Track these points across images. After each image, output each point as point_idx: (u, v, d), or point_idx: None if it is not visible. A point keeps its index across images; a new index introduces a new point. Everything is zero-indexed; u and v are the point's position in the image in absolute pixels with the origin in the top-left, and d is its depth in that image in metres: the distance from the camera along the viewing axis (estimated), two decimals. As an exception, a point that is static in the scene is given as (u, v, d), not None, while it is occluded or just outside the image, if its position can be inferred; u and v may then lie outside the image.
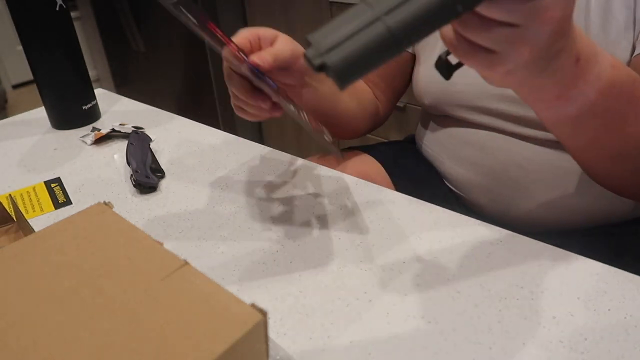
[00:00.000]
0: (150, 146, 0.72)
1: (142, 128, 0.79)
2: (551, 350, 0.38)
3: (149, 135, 0.76)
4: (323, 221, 0.56)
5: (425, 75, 0.73)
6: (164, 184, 0.66)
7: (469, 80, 0.67)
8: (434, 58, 0.71)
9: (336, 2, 1.75)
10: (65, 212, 0.61)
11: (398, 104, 0.88)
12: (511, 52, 0.35)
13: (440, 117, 0.75)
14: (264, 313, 0.29)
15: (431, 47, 0.72)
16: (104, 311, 0.29)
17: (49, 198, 0.64)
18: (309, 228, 0.55)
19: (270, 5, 2.00)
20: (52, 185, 0.67)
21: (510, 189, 0.68)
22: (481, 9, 0.32)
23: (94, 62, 2.82)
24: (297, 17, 1.93)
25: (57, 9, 0.75)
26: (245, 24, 2.13)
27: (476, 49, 0.35)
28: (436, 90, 0.72)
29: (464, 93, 0.69)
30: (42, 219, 0.60)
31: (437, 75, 0.71)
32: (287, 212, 0.58)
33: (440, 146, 0.77)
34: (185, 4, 0.41)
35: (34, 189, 0.66)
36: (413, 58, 0.79)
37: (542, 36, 0.34)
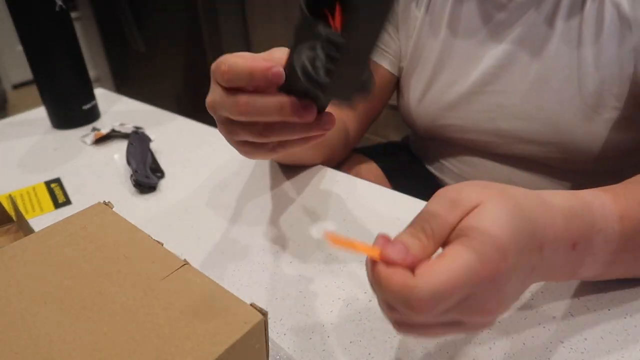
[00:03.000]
0: (150, 146, 0.72)
1: (142, 128, 0.79)
2: (551, 350, 0.38)
3: (149, 135, 0.76)
4: (323, 221, 0.56)
5: (413, 108, 0.72)
6: (164, 184, 0.66)
7: (460, 114, 0.68)
8: (419, 89, 0.70)
9: (336, 2, 1.75)
10: (65, 212, 0.61)
11: (394, 103, 0.88)
12: (467, 322, 0.30)
13: (431, 138, 0.75)
14: (264, 313, 0.29)
15: (416, 78, 0.71)
16: (104, 311, 0.29)
17: (49, 198, 0.64)
18: (309, 228, 0.55)
19: (270, 5, 2.00)
20: (52, 185, 0.67)
21: None
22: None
23: (94, 62, 2.82)
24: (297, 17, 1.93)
25: (57, 9, 0.75)
26: (245, 24, 2.13)
27: (433, 329, 0.31)
28: (426, 122, 0.72)
29: (455, 126, 0.69)
30: (42, 219, 0.60)
31: (425, 108, 0.71)
32: (287, 212, 0.58)
33: (432, 158, 0.78)
34: None
35: (34, 189, 0.66)
36: (394, 79, 0.75)
37: (487, 301, 0.29)
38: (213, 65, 0.38)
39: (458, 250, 0.27)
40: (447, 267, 0.27)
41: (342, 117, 0.68)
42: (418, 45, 0.69)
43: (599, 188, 0.38)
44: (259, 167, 0.68)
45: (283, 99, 0.35)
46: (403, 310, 0.28)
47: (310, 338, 0.41)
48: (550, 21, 0.58)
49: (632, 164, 0.61)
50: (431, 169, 0.79)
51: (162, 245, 0.35)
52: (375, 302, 0.44)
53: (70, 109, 0.83)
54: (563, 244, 0.33)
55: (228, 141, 0.42)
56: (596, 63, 0.56)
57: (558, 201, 0.34)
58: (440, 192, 0.31)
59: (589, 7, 0.55)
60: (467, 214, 0.30)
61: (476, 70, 0.65)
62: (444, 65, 0.67)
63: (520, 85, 0.62)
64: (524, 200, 0.31)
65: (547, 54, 0.59)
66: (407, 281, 0.27)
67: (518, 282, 0.31)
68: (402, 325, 0.30)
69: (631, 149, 0.59)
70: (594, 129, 0.58)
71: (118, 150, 0.75)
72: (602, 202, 0.36)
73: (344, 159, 0.74)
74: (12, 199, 0.53)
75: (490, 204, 0.30)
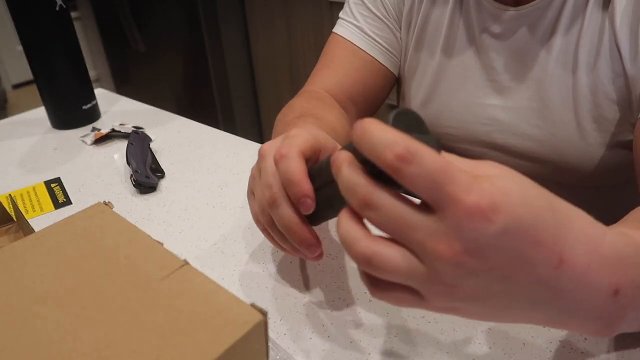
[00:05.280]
0: (150, 146, 0.72)
1: (142, 128, 0.79)
2: (551, 350, 0.38)
3: (149, 135, 0.76)
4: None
5: None
6: (164, 184, 0.66)
7: (453, 123, 0.68)
8: (420, 96, 0.70)
9: (336, 2, 1.75)
10: (65, 212, 0.61)
11: (393, 103, 0.88)
12: (425, 289, 0.27)
13: None
14: (264, 313, 0.29)
15: (417, 85, 0.71)
16: (104, 311, 0.29)
17: (49, 198, 0.64)
18: (309, 228, 0.55)
19: (270, 5, 2.00)
20: (52, 185, 0.67)
21: None
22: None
23: (94, 62, 2.82)
24: (297, 17, 1.93)
25: (57, 9, 0.75)
26: (245, 24, 2.13)
27: (390, 287, 0.28)
28: None
29: (450, 135, 0.69)
30: (42, 219, 0.60)
31: (426, 115, 0.71)
32: (287, 212, 0.57)
33: None
34: None
35: (34, 189, 0.66)
36: (394, 78, 0.74)
37: (448, 274, 0.25)
38: (292, 131, 0.40)
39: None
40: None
41: (345, 111, 0.68)
42: (418, 48, 0.69)
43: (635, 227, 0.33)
44: (259, 167, 0.68)
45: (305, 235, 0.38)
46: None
47: (310, 338, 0.41)
48: (546, 42, 0.58)
49: (623, 180, 0.61)
50: None
51: (162, 245, 0.35)
52: (375, 302, 0.44)
53: (70, 109, 0.83)
54: (601, 284, 0.27)
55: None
56: (591, 88, 0.56)
57: (606, 231, 0.29)
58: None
59: (586, 32, 0.55)
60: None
61: (472, 83, 0.65)
62: (445, 70, 0.67)
63: (516, 102, 0.62)
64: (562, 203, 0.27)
65: (543, 75, 0.59)
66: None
67: (510, 284, 0.26)
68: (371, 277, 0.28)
69: (624, 166, 0.59)
70: (588, 148, 0.58)
71: (118, 150, 0.75)
72: None
73: None
74: (12, 199, 0.53)
75: (507, 174, 0.26)
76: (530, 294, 0.26)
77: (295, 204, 0.37)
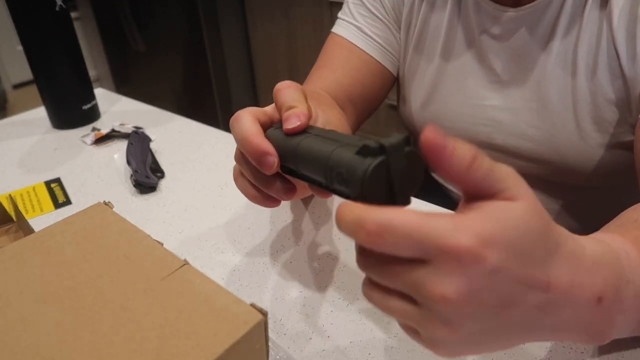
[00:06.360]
0: (150, 146, 0.72)
1: (142, 128, 0.79)
2: (551, 350, 0.38)
3: (149, 135, 0.76)
4: (323, 221, 0.56)
5: (415, 115, 0.72)
6: (164, 184, 0.66)
7: (452, 124, 0.68)
8: (420, 97, 0.70)
9: (336, 2, 1.75)
10: (65, 212, 0.61)
11: (394, 103, 0.88)
12: (425, 329, 0.27)
13: None
14: (264, 313, 0.29)
15: (416, 87, 0.71)
16: (104, 311, 0.29)
17: (49, 198, 0.64)
18: (309, 228, 0.55)
19: (270, 5, 2.00)
20: (52, 185, 0.67)
21: None
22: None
23: (94, 62, 2.82)
24: (297, 17, 1.93)
25: (57, 9, 0.75)
26: (245, 24, 2.13)
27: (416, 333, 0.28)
28: (423, 128, 0.72)
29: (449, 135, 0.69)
30: (42, 219, 0.60)
31: (426, 117, 0.71)
32: (287, 212, 0.58)
33: None
34: None
35: (34, 189, 0.66)
36: (392, 78, 0.74)
37: (448, 315, 0.25)
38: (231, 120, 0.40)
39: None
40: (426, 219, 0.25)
41: (343, 111, 0.68)
42: (417, 51, 0.69)
43: (616, 232, 0.34)
44: (259, 167, 0.68)
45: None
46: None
47: (310, 338, 0.41)
48: (545, 43, 0.58)
49: (623, 181, 0.61)
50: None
51: (162, 245, 0.35)
52: (375, 302, 0.44)
53: (70, 109, 0.83)
54: (584, 296, 0.28)
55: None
56: (590, 89, 0.56)
57: (586, 242, 0.29)
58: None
59: (585, 33, 0.55)
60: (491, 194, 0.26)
61: (472, 84, 0.65)
62: (445, 72, 0.67)
63: (516, 102, 0.62)
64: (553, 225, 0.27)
65: (543, 76, 0.59)
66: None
67: (505, 316, 0.26)
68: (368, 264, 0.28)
69: (623, 167, 0.59)
70: (588, 149, 0.58)
71: (118, 150, 0.75)
72: (625, 250, 0.32)
73: None
74: (12, 199, 0.53)
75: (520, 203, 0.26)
76: (523, 320, 0.27)
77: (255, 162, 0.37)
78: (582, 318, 0.29)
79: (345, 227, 0.26)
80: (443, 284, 0.24)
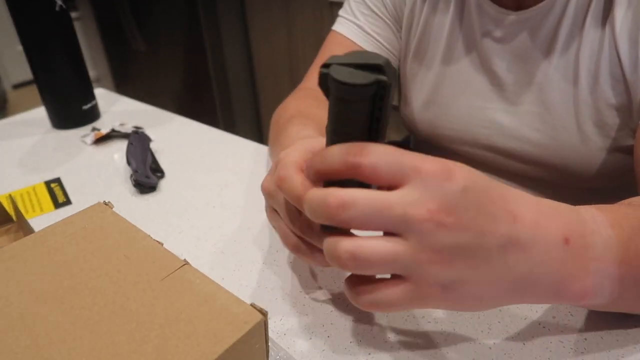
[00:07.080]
0: (150, 146, 0.72)
1: (142, 128, 0.79)
2: (551, 350, 0.38)
3: (149, 135, 0.76)
4: (323, 221, 0.56)
5: (416, 115, 0.72)
6: (164, 184, 0.66)
7: (453, 126, 0.68)
8: (421, 99, 0.70)
9: (336, 2, 1.75)
10: (65, 212, 0.61)
11: (395, 103, 0.88)
12: (412, 268, 0.29)
13: (430, 144, 0.75)
14: (264, 313, 0.29)
15: (418, 88, 0.71)
16: (104, 311, 0.29)
17: (49, 198, 0.64)
18: (309, 228, 0.55)
19: (270, 5, 2.00)
20: (52, 185, 0.67)
21: None
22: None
23: (94, 62, 2.82)
24: (297, 17, 1.93)
25: (57, 9, 0.75)
26: (245, 24, 2.13)
27: (377, 287, 0.30)
28: (427, 129, 0.72)
29: (452, 137, 0.69)
30: (42, 219, 0.60)
31: (426, 118, 0.71)
32: (287, 212, 0.57)
33: None
34: None
35: (34, 189, 0.66)
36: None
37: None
38: (281, 155, 0.38)
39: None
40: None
41: None
42: (419, 53, 0.69)
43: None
44: (259, 167, 0.68)
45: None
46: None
47: (310, 338, 0.41)
48: (547, 46, 0.58)
49: (624, 184, 0.61)
50: None
51: (162, 245, 0.35)
52: (375, 302, 0.44)
53: (70, 109, 0.83)
54: (551, 235, 0.30)
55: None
56: (592, 93, 0.56)
57: (542, 198, 0.33)
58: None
59: (587, 38, 0.55)
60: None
61: (474, 87, 0.65)
62: (446, 74, 0.67)
63: (517, 105, 0.62)
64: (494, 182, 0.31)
65: (545, 79, 0.59)
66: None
67: (485, 242, 0.28)
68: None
69: (624, 170, 0.59)
70: (589, 153, 0.58)
71: (118, 150, 0.75)
72: (587, 210, 0.34)
73: None
74: (12, 199, 0.53)
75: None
76: (501, 253, 0.29)
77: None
78: (553, 259, 0.31)
79: (321, 167, 0.30)
80: (426, 202, 0.27)
